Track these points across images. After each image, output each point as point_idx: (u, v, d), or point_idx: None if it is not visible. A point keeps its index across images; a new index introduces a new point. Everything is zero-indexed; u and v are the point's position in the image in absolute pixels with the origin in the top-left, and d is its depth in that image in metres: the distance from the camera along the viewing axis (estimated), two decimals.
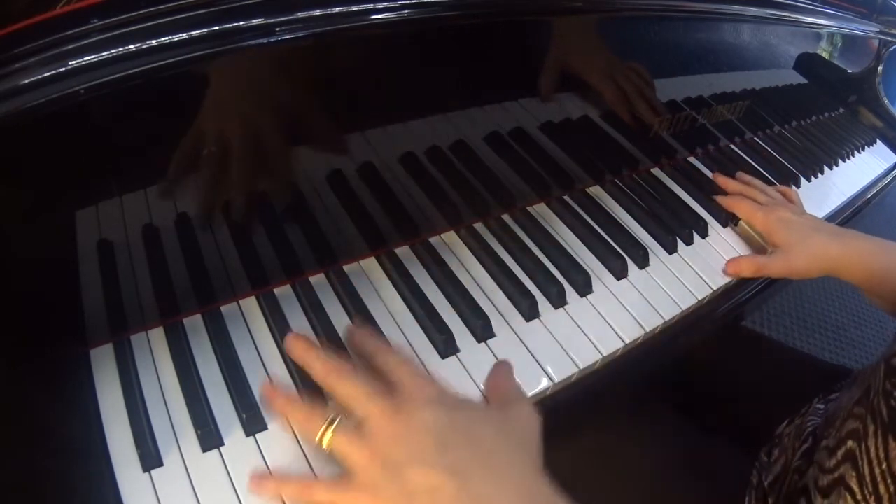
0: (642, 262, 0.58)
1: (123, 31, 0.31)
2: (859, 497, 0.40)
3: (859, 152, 0.96)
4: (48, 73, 0.30)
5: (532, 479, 0.34)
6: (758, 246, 0.65)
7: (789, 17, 0.68)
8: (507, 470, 0.34)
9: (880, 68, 0.97)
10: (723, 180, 0.72)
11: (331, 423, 0.35)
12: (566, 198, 0.64)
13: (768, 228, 0.62)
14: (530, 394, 0.45)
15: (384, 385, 0.37)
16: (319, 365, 0.38)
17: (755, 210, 0.64)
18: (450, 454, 0.33)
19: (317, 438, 0.35)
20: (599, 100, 0.59)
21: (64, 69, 0.30)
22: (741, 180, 0.71)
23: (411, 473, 0.33)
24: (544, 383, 0.46)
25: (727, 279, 0.60)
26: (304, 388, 0.42)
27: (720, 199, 0.68)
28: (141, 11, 0.32)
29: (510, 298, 0.52)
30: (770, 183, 0.76)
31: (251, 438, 0.40)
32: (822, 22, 0.76)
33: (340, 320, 0.47)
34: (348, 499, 0.34)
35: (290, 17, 0.36)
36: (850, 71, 0.97)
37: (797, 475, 0.50)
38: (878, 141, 1.02)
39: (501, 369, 0.45)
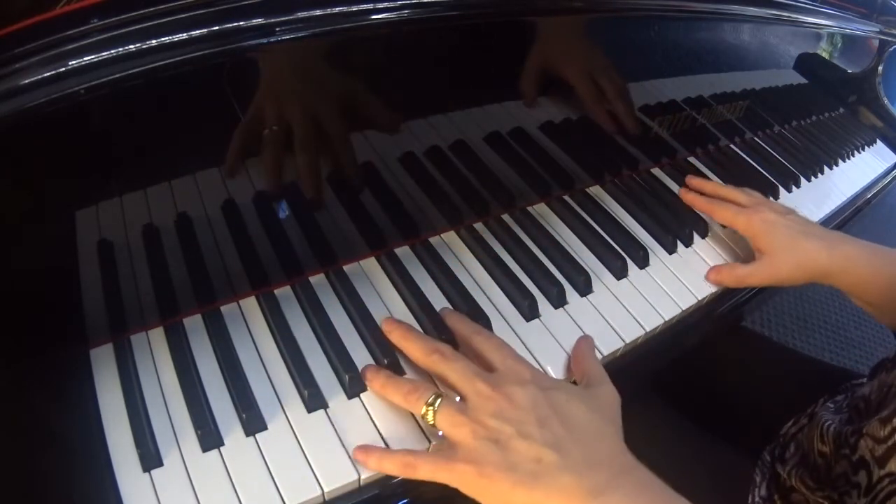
0: (642, 262, 0.58)
1: (123, 31, 0.31)
2: None
3: (859, 152, 0.96)
4: (48, 73, 0.30)
5: (618, 450, 0.38)
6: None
7: (789, 17, 0.68)
8: (597, 443, 0.37)
9: (880, 68, 0.97)
10: (697, 183, 0.66)
11: (434, 401, 0.38)
12: (566, 198, 0.64)
13: (752, 232, 0.58)
14: None
15: (482, 365, 0.40)
16: (420, 347, 0.42)
17: (736, 213, 0.59)
18: (548, 429, 0.36)
19: (421, 414, 0.39)
20: (599, 99, 0.59)
21: (64, 69, 0.30)
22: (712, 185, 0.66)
23: (515, 445, 0.35)
24: None
25: None
26: (305, 388, 0.42)
27: (698, 202, 0.63)
28: (141, 11, 0.32)
29: (510, 298, 0.52)
30: (768, 184, 0.76)
31: (251, 438, 0.40)
32: (822, 22, 0.76)
33: (340, 320, 0.47)
34: (454, 470, 0.36)
35: (290, 17, 0.36)
36: (850, 71, 0.97)
37: (847, 449, 0.49)
38: (878, 141, 1.02)
39: (583, 348, 0.48)
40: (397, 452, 0.39)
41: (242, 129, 0.39)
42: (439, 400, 0.38)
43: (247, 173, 0.42)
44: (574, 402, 0.39)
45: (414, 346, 0.43)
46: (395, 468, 0.38)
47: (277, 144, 0.41)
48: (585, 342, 0.49)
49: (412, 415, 0.42)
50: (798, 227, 0.58)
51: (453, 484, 0.37)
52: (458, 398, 0.39)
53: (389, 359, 0.44)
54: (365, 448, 0.40)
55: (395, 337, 0.45)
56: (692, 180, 0.68)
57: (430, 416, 0.39)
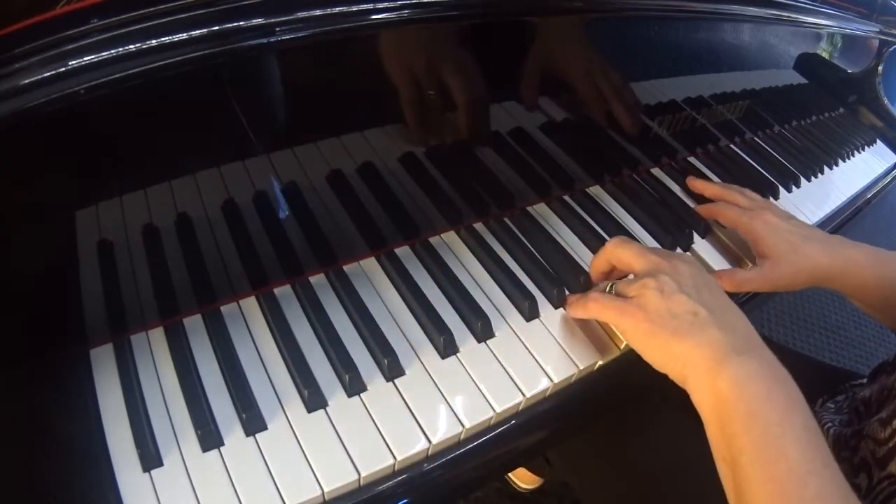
0: None
1: (123, 31, 0.32)
2: None
3: (859, 152, 0.96)
4: (48, 73, 0.30)
5: (753, 329, 0.44)
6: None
7: (789, 17, 0.68)
8: (739, 318, 0.44)
9: (880, 68, 0.97)
10: (701, 185, 0.67)
11: (612, 285, 0.47)
12: (566, 198, 0.64)
13: (754, 235, 0.58)
14: (529, 394, 0.45)
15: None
16: (605, 247, 0.50)
17: (739, 215, 0.60)
18: (703, 294, 0.44)
19: (606, 289, 0.47)
20: (599, 100, 0.59)
21: (64, 69, 0.30)
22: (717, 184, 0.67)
23: (677, 298, 0.43)
24: (544, 383, 0.46)
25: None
26: (305, 388, 0.42)
27: (702, 212, 0.65)
28: (141, 11, 0.32)
29: (510, 298, 0.52)
30: (768, 183, 0.76)
31: (251, 438, 0.40)
32: (822, 22, 0.76)
33: (341, 320, 0.47)
34: (626, 312, 0.44)
35: (290, 17, 0.36)
36: (850, 71, 0.97)
37: (847, 451, 0.50)
38: (878, 141, 1.02)
39: None
40: (591, 298, 0.47)
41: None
42: (615, 283, 0.47)
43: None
44: (719, 288, 0.46)
45: (603, 248, 0.51)
46: (585, 311, 0.47)
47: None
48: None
49: (412, 414, 0.43)
50: (799, 231, 0.57)
51: (621, 327, 0.45)
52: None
53: (389, 358, 0.44)
54: (571, 301, 0.50)
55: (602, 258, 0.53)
56: (694, 182, 0.68)
57: (613, 288, 0.47)
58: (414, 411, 0.43)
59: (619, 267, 0.50)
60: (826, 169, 0.86)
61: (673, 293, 0.43)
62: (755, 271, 0.57)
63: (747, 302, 0.63)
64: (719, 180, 0.72)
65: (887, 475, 0.44)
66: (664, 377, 0.43)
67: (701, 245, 0.63)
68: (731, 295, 0.47)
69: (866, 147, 0.99)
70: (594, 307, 0.46)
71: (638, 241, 0.60)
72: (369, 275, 0.52)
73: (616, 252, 0.49)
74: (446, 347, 0.46)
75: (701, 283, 0.45)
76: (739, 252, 0.63)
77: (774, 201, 0.71)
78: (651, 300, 0.43)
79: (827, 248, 0.56)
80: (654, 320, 0.42)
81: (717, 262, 0.62)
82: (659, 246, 0.61)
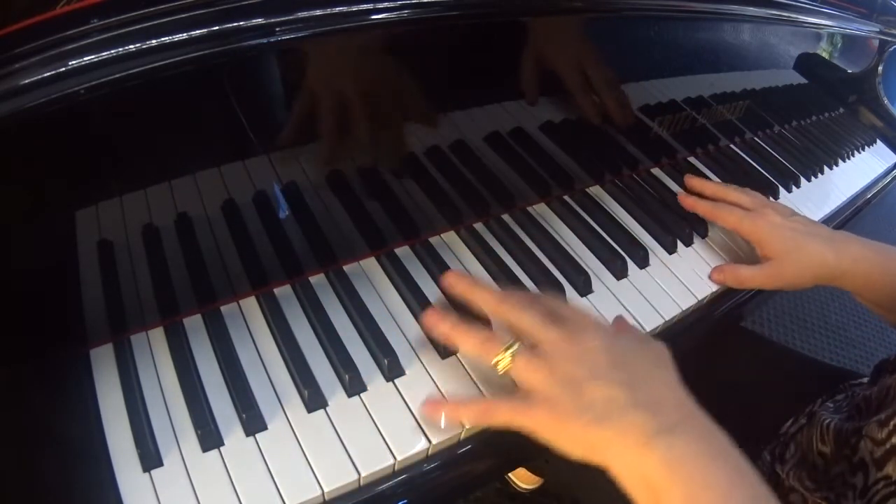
0: (642, 262, 0.58)
1: (123, 31, 0.32)
2: None
3: (859, 152, 0.96)
4: (48, 73, 0.30)
5: (682, 396, 0.39)
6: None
7: (789, 17, 0.68)
8: (663, 388, 0.38)
9: (880, 68, 0.97)
10: (699, 184, 0.64)
11: (508, 349, 0.38)
12: (566, 198, 0.64)
13: (758, 237, 0.56)
14: None
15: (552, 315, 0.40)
16: (490, 296, 0.42)
17: (741, 217, 0.57)
18: (619, 371, 0.37)
19: (493, 362, 0.39)
20: (599, 100, 0.59)
21: (64, 69, 0.30)
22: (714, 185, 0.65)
23: (589, 387, 0.36)
24: None
25: None
26: (305, 388, 0.42)
27: (700, 206, 0.61)
28: (141, 11, 0.32)
29: None
30: (767, 183, 0.76)
31: (251, 438, 0.40)
32: (822, 22, 0.76)
33: (341, 320, 0.47)
34: (529, 415, 0.37)
35: (290, 17, 0.36)
36: (850, 71, 0.97)
37: (848, 449, 0.49)
38: (878, 141, 1.02)
39: (623, 320, 0.49)
40: (472, 401, 0.41)
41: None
42: (517, 345, 0.38)
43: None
44: (638, 349, 0.40)
45: (483, 296, 0.43)
46: (472, 416, 0.40)
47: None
48: (619, 317, 0.50)
49: (412, 414, 0.42)
50: (803, 228, 0.56)
51: (529, 428, 0.37)
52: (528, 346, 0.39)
53: (389, 358, 0.44)
54: (433, 403, 0.41)
55: (462, 288, 0.44)
56: (691, 180, 0.67)
57: (503, 363, 0.38)
58: (414, 411, 0.43)
59: (513, 331, 0.41)
60: (826, 169, 0.86)
61: (583, 382, 0.36)
62: (758, 269, 0.56)
63: (749, 300, 0.63)
64: (719, 180, 0.72)
65: (884, 476, 0.44)
66: None
67: (701, 245, 0.63)
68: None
69: (866, 147, 0.99)
70: (482, 414, 0.39)
71: (640, 241, 0.60)
72: (369, 275, 0.52)
73: (508, 316, 0.41)
74: (446, 348, 0.46)
75: (614, 355, 0.38)
76: (740, 252, 0.63)
77: (777, 202, 0.70)
78: (557, 395, 0.37)
79: (833, 246, 0.54)
80: (563, 417, 0.36)
81: (717, 262, 0.61)
82: (659, 245, 0.61)
